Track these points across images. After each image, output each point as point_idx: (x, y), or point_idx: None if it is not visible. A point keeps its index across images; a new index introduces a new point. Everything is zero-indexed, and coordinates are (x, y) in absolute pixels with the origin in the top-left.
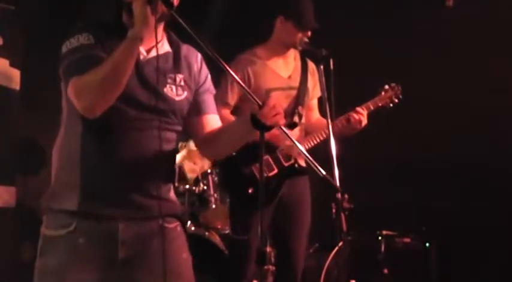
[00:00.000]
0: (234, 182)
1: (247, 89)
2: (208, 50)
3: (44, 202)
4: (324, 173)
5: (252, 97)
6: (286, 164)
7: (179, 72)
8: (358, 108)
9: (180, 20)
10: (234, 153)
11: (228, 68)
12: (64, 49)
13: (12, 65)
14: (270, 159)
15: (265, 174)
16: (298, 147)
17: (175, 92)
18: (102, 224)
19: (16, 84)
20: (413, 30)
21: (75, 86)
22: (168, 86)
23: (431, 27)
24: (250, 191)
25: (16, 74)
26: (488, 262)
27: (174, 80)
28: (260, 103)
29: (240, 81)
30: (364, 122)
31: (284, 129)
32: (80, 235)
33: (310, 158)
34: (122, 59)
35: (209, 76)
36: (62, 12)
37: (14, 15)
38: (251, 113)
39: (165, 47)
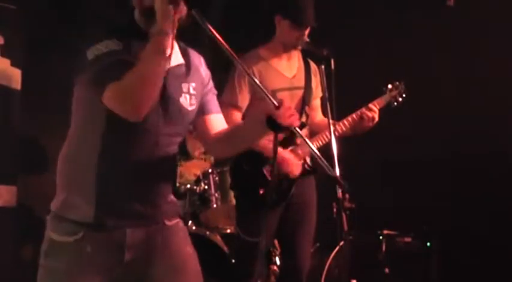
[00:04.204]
0: (244, 183)
1: (265, 90)
2: (229, 52)
3: (56, 210)
4: (334, 173)
5: (269, 97)
6: None
7: (192, 80)
8: (371, 105)
9: (200, 20)
10: (244, 155)
11: (247, 70)
12: (91, 55)
13: (13, 64)
14: None
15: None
16: (312, 150)
17: (189, 102)
18: (111, 232)
19: (17, 84)
20: (413, 30)
21: (115, 91)
22: (183, 95)
23: (431, 27)
24: (261, 192)
25: (17, 73)
26: (490, 262)
27: (188, 89)
28: (276, 104)
29: (259, 83)
30: (376, 119)
31: (298, 130)
32: (87, 243)
33: (323, 160)
34: (153, 56)
35: (211, 77)
36: (63, 12)
37: (15, 15)
38: (267, 114)
39: (178, 57)
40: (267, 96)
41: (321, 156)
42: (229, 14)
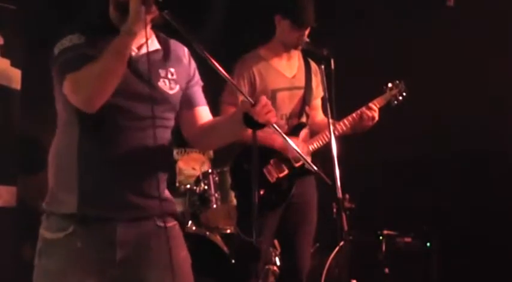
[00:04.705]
0: (244, 183)
1: (239, 88)
2: (199, 50)
3: (45, 206)
4: (316, 169)
5: (244, 95)
6: (296, 165)
7: (170, 66)
8: (371, 104)
9: (172, 21)
10: (244, 155)
11: (218, 65)
12: (56, 50)
13: (13, 64)
14: (281, 160)
15: (276, 175)
16: (291, 145)
17: (169, 86)
18: (100, 226)
19: (17, 84)
20: (413, 30)
21: (71, 81)
22: (161, 80)
23: (431, 27)
24: (261, 192)
25: (17, 73)
26: (489, 262)
27: (166, 74)
28: (252, 101)
29: (228, 77)
30: (376, 118)
31: (276, 127)
32: (78, 238)
33: (304, 156)
34: (117, 52)
35: (196, 69)
36: (63, 12)
37: (14, 15)
38: (243, 111)
39: (154, 44)
40: (243, 94)
41: (301, 153)
42: (229, 14)
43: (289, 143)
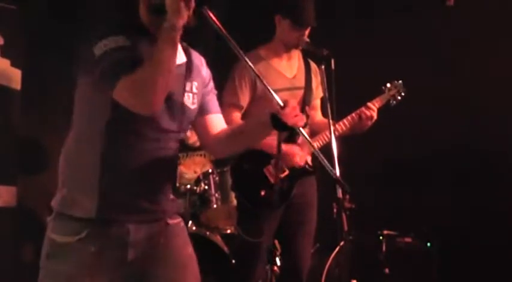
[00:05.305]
0: (245, 184)
1: (270, 89)
2: (237, 51)
3: (56, 207)
4: (335, 173)
5: (275, 97)
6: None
7: (194, 79)
8: (370, 104)
9: (213, 18)
10: (245, 155)
11: (251, 65)
12: (98, 51)
13: (13, 64)
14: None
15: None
16: (315, 150)
17: (192, 101)
18: (114, 229)
19: (17, 84)
20: (413, 30)
21: (128, 85)
22: (186, 94)
23: (431, 27)
24: (262, 193)
25: (17, 73)
26: (490, 261)
27: (191, 87)
28: (282, 103)
29: (264, 82)
30: (375, 118)
31: (302, 131)
32: (91, 242)
33: (325, 160)
34: (167, 51)
35: (211, 78)
36: (63, 12)
37: (15, 15)
38: (272, 113)
39: (181, 56)
40: (273, 95)
41: (323, 157)
42: (230, 14)
43: (312, 147)
